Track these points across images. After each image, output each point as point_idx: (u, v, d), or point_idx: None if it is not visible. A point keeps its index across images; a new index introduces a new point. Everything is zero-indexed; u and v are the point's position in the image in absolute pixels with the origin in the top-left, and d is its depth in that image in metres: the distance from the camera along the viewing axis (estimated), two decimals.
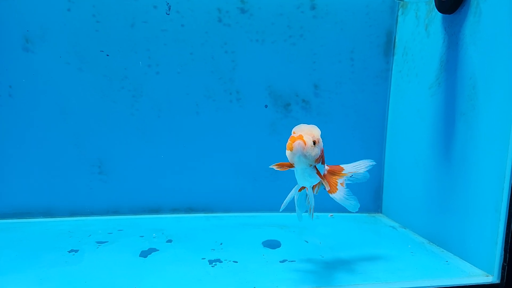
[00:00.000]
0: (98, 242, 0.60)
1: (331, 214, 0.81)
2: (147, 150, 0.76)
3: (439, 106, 0.64)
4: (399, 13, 0.79)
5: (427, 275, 0.50)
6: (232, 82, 0.77)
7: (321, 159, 0.44)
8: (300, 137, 0.40)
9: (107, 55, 0.73)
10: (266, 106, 0.79)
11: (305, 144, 0.40)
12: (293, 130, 0.42)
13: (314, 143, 0.41)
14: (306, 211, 0.52)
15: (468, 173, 0.56)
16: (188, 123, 0.77)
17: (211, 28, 0.75)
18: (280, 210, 0.50)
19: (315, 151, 0.41)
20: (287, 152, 0.40)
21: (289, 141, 0.40)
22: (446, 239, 0.61)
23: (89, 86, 0.73)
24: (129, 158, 0.75)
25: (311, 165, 0.43)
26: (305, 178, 0.45)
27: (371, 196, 0.84)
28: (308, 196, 0.50)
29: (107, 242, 0.60)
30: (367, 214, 0.83)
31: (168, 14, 0.73)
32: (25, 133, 0.71)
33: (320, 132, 0.43)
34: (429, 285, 0.46)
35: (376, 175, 0.84)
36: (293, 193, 0.50)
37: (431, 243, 0.64)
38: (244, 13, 0.75)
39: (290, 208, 0.50)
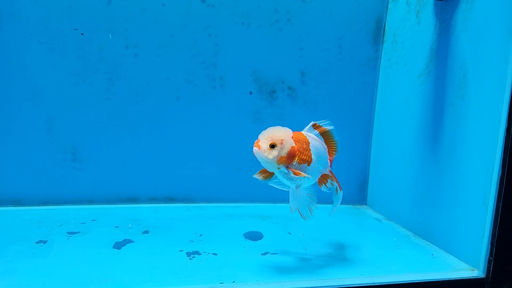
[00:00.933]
0: (69, 233, 0.57)
1: (315, 205, 0.79)
2: (123, 136, 0.72)
3: (428, 95, 0.62)
4: None
5: (412, 268, 0.49)
6: (215, 67, 0.74)
7: (293, 160, 0.44)
8: (257, 141, 0.43)
9: (82, 34, 0.68)
10: (250, 93, 0.76)
11: (259, 148, 0.42)
12: None
13: (274, 146, 0.42)
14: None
15: (456, 165, 0.55)
16: (168, 109, 0.73)
17: (194, 8, 0.71)
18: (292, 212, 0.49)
19: (273, 154, 0.42)
20: None
21: None
22: (432, 232, 0.60)
23: (62, 67, 0.68)
24: (104, 144, 0.71)
25: (279, 168, 0.44)
26: (285, 181, 0.46)
27: (356, 188, 0.83)
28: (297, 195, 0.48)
29: (79, 232, 0.57)
30: (351, 205, 0.82)
31: None
32: None
33: (286, 133, 0.44)
34: (415, 279, 0.45)
35: (362, 166, 0.82)
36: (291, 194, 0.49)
37: (417, 236, 0.63)
38: None
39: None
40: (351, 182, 0.82)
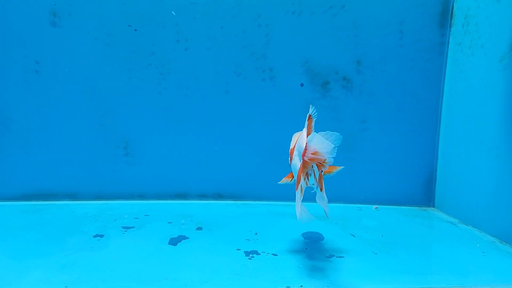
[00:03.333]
0: (124, 227, 0.56)
1: (375, 206, 0.73)
2: (174, 131, 0.71)
3: None
4: None
5: (506, 279, 0.42)
6: (265, 58, 0.71)
7: (291, 159, 0.46)
8: None
9: (135, 30, 0.67)
10: (302, 85, 0.72)
11: None
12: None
13: None
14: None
15: None
16: (217, 103, 0.71)
17: None
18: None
19: None
20: None
21: None
22: None
23: (116, 63, 0.68)
24: (155, 139, 0.71)
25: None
26: None
27: (421, 188, 0.75)
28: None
29: (133, 227, 0.56)
30: (417, 207, 0.75)
31: None
32: (50, 112, 0.68)
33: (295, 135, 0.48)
34: None
35: (428, 163, 0.75)
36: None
37: (504, 243, 0.55)
38: None
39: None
40: (414, 181, 0.75)
